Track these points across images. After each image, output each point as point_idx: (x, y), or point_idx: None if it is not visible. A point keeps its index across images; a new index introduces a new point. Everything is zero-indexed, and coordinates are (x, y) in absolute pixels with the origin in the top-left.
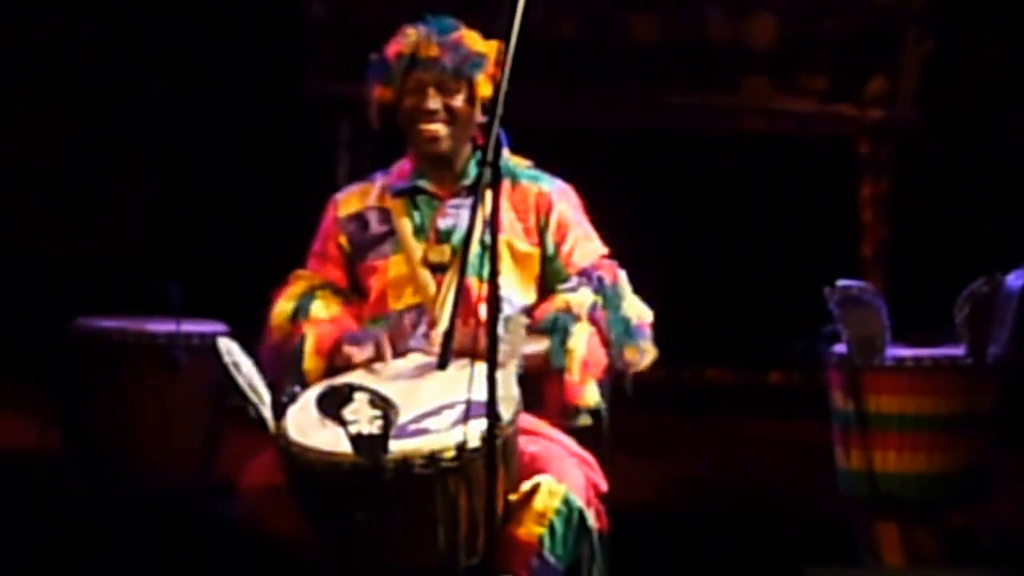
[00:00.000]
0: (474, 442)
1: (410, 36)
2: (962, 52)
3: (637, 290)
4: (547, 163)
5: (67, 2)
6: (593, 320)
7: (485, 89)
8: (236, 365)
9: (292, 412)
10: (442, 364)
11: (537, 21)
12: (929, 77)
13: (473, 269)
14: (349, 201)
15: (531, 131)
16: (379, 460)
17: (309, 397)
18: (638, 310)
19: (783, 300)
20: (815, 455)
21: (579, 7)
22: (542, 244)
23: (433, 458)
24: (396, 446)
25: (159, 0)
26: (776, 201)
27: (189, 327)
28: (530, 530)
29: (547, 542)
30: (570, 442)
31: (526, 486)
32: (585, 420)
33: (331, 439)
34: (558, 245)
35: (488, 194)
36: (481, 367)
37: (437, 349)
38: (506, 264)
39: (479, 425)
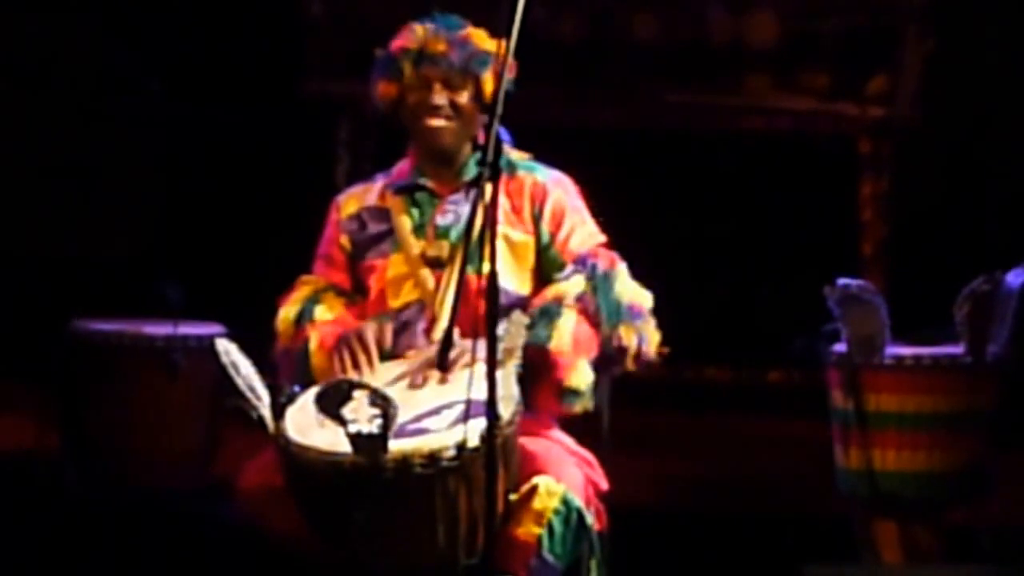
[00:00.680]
0: (474, 442)
1: (417, 32)
2: (963, 50)
3: None
4: (547, 161)
5: (65, 1)
6: (582, 308)
7: (491, 87)
8: (235, 365)
9: (291, 412)
10: (442, 364)
11: (538, 20)
12: (930, 76)
13: (471, 264)
14: (350, 202)
15: (531, 130)
16: (378, 459)
17: (308, 397)
18: (633, 293)
19: (783, 299)
20: (814, 454)
21: (580, 6)
22: (537, 233)
23: (433, 458)
24: (396, 445)
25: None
26: (776, 199)
27: (187, 329)
28: (529, 530)
29: (546, 542)
30: (570, 441)
31: (525, 486)
32: (582, 403)
33: (330, 439)
34: (553, 234)
35: (488, 194)
36: (481, 366)
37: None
38: (502, 254)
39: (479, 425)
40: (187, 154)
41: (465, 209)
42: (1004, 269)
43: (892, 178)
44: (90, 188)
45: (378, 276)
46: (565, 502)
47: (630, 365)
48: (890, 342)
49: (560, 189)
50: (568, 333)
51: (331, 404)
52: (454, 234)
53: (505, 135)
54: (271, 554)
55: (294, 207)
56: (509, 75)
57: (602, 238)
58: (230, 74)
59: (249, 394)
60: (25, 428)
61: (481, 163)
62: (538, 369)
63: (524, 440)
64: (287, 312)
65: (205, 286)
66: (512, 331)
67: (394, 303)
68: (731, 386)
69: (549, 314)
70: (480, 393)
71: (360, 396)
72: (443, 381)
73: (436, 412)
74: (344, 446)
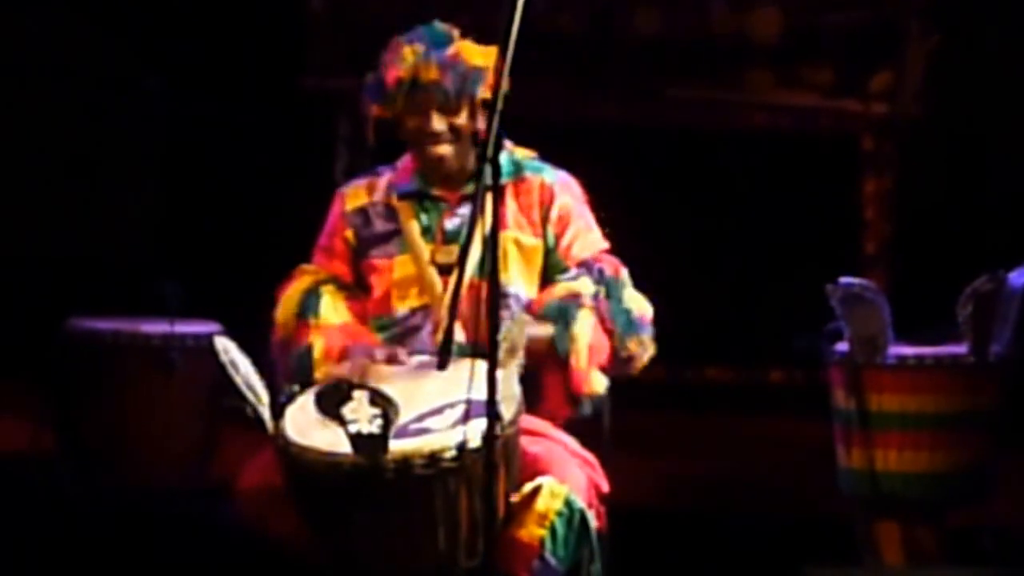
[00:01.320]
0: (475, 442)
1: (407, 59)
2: (967, 47)
3: (638, 286)
4: (548, 157)
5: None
6: (596, 308)
7: (486, 95)
8: (233, 364)
9: (291, 412)
10: (442, 364)
11: (539, 14)
12: (934, 72)
13: (477, 268)
14: (356, 195)
15: (532, 125)
16: (379, 460)
17: (308, 397)
18: (639, 303)
19: (784, 297)
20: (816, 454)
21: (581, 1)
22: (544, 236)
23: (434, 458)
24: (396, 446)
25: None
26: (778, 197)
27: (184, 327)
28: (531, 531)
29: (548, 544)
30: (572, 442)
31: (528, 487)
32: (587, 409)
33: (330, 439)
34: (558, 237)
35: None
36: (482, 366)
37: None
38: (513, 260)
39: (480, 425)
40: (186, 151)
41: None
42: (1008, 268)
43: (895, 176)
44: (87, 186)
45: (383, 276)
46: (568, 504)
47: (632, 373)
48: (893, 341)
49: (568, 193)
50: (585, 342)
51: (331, 404)
52: (463, 238)
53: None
54: (270, 555)
55: (293, 204)
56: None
57: (605, 244)
58: (229, 71)
59: (248, 393)
60: (20, 428)
61: (481, 159)
62: (553, 375)
63: (526, 441)
64: (288, 303)
65: (203, 284)
66: (514, 331)
67: (400, 306)
68: (732, 386)
69: (566, 316)
70: (482, 393)
71: (360, 396)
72: (444, 381)
73: (439, 411)
74: (344, 446)
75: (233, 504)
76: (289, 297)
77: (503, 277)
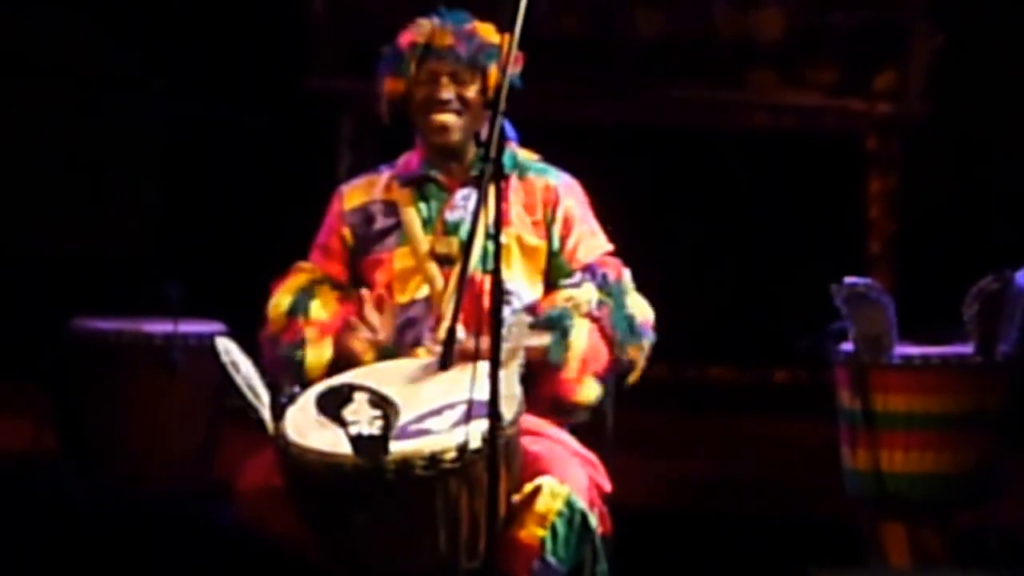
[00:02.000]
0: (476, 443)
1: (424, 26)
2: (972, 46)
3: (641, 287)
4: (551, 158)
5: None
6: (595, 316)
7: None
8: (235, 365)
9: (291, 412)
10: (444, 364)
11: (543, 16)
12: (938, 71)
13: (479, 263)
14: (354, 194)
15: (535, 126)
16: (379, 461)
17: (308, 397)
18: (641, 308)
19: (789, 297)
20: (821, 454)
21: (585, 2)
22: (548, 238)
23: (434, 459)
24: (397, 447)
25: None
26: (783, 197)
27: (186, 327)
28: (532, 532)
29: (549, 544)
30: (573, 442)
31: (528, 487)
32: (581, 416)
33: (330, 440)
34: (563, 240)
35: (491, 189)
36: (483, 366)
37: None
38: (515, 258)
39: (481, 425)
40: (189, 152)
41: (473, 205)
42: (1014, 267)
43: (900, 175)
44: (91, 186)
45: (385, 269)
46: (569, 504)
47: (633, 379)
48: (898, 341)
49: (572, 196)
50: (579, 352)
51: (332, 405)
52: (463, 230)
53: (511, 132)
54: (270, 556)
55: (296, 205)
56: (516, 67)
57: (609, 247)
58: (232, 72)
59: (249, 394)
60: (22, 427)
61: (483, 158)
62: (541, 384)
63: (527, 441)
64: (280, 299)
65: (205, 284)
66: (515, 331)
67: (401, 298)
68: (736, 386)
69: (563, 327)
70: (483, 393)
71: (361, 397)
72: (445, 381)
73: (439, 412)
74: (344, 447)
75: (233, 504)
76: (282, 294)
77: (504, 273)
